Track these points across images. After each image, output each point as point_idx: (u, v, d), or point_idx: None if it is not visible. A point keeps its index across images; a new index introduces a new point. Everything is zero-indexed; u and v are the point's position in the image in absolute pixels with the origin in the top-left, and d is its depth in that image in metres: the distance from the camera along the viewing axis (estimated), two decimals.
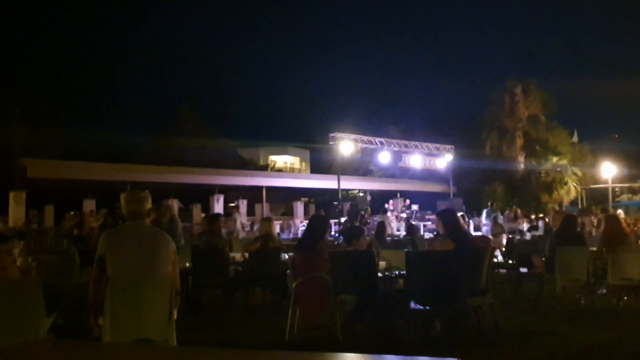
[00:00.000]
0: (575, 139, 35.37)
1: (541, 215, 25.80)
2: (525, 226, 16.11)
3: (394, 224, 19.67)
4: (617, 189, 32.51)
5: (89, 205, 20.28)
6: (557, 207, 16.06)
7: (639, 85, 33.65)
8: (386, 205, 21.37)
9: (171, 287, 4.20)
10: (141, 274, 4.12)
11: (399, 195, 28.98)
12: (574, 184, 33.45)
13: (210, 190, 25.32)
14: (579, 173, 33.65)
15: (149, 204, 4.39)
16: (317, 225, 6.57)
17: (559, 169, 33.59)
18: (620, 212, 15.03)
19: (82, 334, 4.80)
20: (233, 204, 26.74)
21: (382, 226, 12.67)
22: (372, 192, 33.44)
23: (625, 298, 7.87)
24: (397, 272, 6.66)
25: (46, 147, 25.67)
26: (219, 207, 24.17)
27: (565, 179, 33.21)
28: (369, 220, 17.76)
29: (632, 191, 34.08)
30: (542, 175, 34.37)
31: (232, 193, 28.27)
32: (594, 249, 8.07)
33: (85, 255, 7.49)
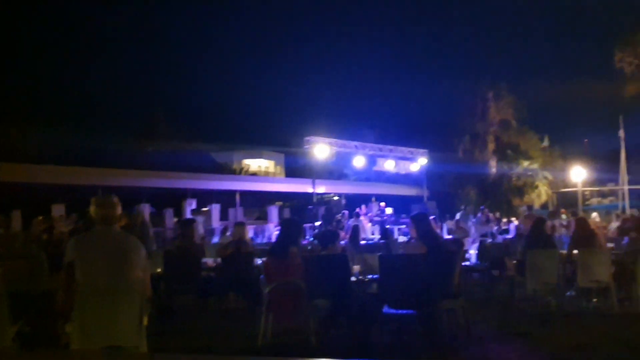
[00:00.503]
0: (546, 143, 35.92)
1: (513, 218, 26.16)
2: (496, 229, 16.29)
3: (368, 228, 19.71)
4: (587, 193, 33.08)
5: (58, 209, 19.91)
6: (526, 211, 16.23)
7: (607, 90, 34.32)
8: (357, 210, 21.38)
9: (141, 292, 4.15)
10: (110, 279, 4.05)
11: (373, 199, 29.10)
12: (545, 188, 33.98)
13: (183, 195, 25.10)
14: (550, 177, 34.19)
15: (119, 209, 4.33)
16: (289, 230, 6.54)
17: (529, 173, 34.09)
18: (595, 215, 15.27)
19: (49, 342, 4.70)
20: (206, 209, 26.55)
21: (356, 230, 12.70)
22: (347, 196, 33.53)
23: (595, 300, 8.02)
24: (371, 276, 6.68)
25: (14, 150, 25.18)
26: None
27: (536, 183, 33.72)
28: (344, 224, 17.76)
29: (602, 194, 34.74)
30: (514, 179, 34.85)
31: (205, 197, 28.07)
32: (564, 251, 8.20)
33: (55, 261, 7.35)
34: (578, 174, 28.63)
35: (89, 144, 31.01)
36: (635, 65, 28.03)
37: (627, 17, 31.20)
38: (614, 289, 7.65)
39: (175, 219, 22.44)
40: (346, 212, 20.87)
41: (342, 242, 11.20)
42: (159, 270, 7.95)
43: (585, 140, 39.88)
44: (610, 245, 9.66)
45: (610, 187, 33.81)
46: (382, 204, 25.88)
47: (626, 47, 28.24)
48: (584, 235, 8.13)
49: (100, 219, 4.23)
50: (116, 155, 31.92)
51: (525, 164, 34.46)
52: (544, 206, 32.47)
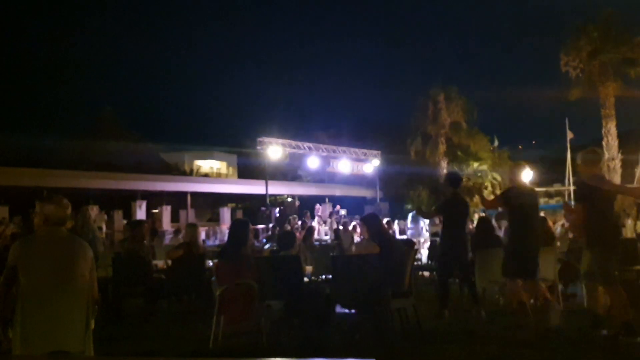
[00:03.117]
0: (496, 144, 36.79)
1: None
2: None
3: (322, 229, 19.77)
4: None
5: (1, 212, 19.23)
6: (481, 213, 16.52)
7: (554, 93, 35.43)
8: (317, 208, 21.51)
9: (88, 295, 4.03)
10: (56, 283, 3.91)
11: (327, 200, 29.19)
12: (494, 189, 34.79)
13: (132, 196, 24.60)
14: (499, 178, 35.01)
15: (68, 210, 4.19)
16: (238, 231, 6.48)
17: (479, 174, 34.84)
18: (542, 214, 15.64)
19: None
20: (156, 210, 26.11)
21: (309, 231, 12.72)
22: (301, 197, 33.55)
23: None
24: (323, 277, 6.68)
25: None
26: (141, 213, 23.52)
27: (486, 184, 34.47)
28: (296, 226, 17.75)
29: (548, 195, 35.79)
30: (464, 180, 35.56)
31: (155, 199, 27.59)
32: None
33: None
34: (526, 175, 29.42)
35: (32, 144, 30.02)
36: (579, 70, 28.97)
37: (572, 22, 32.25)
38: (560, 286, 7.87)
39: (125, 221, 21.97)
40: (296, 216, 20.78)
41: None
42: (107, 273, 7.78)
43: (533, 142, 41.08)
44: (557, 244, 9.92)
45: (556, 187, 34.91)
46: (338, 206, 26.02)
47: (571, 51, 29.16)
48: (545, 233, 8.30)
49: (46, 221, 4.08)
50: (61, 156, 31.03)
51: (475, 165, 35.22)
52: None
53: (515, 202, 6.64)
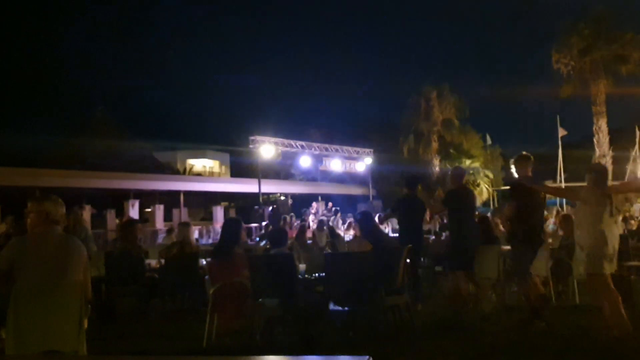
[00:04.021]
0: (488, 142, 36.90)
1: None
2: (439, 226, 16.58)
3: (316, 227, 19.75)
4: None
5: None
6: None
7: (545, 91, 35.61)
8: (315, 205, 21.52)
9: (81, 295, 4.03)
10: (49, 282, 3.91)
11: (320, 198, 29.20)
12: (486, 186, 34.87)
13: (124, 196, 24.52)
14: (491, 175, 35.14)
15: (61, 209, 4.18)
16: (231, 230, 6.49)
17: (471, 171, 34.93)
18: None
19: None
20: (149, 210, 26.05)
21: (303, 229, 12.73)
22: (294, 196, 33.54)
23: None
24: (317, 274, 6.70)
25: None
26: (134, 212, 23.44)
27: (478, 181, 34.57)
28: (294, 225, 17.73)
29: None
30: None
31: (148, 198, 27.52)
32: (507, 247, 8.39)
33: None
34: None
35: (24, 143, 29.86)
36: (571, 67, 29.10)
37: (563, 19, 32.42)
38: (552, 282, 7.92)
39: (117, 220, 21.92)
40: (293, 214, 20.76)
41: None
42: (100, 272, 7.77)
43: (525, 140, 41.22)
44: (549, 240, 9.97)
45: (548, 184, 35.05)
46: (330, 203, 26.01)
47: (562, 48, 29.28)
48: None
49: (47, 219, 4.07)
50: (53, 155, 30.90)
51: (468, 162, 35.32)
52: (485, 204, 33.32)
53: (454, 203, 7.44)
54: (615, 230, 6.15)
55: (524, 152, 6.83)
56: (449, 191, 7.93)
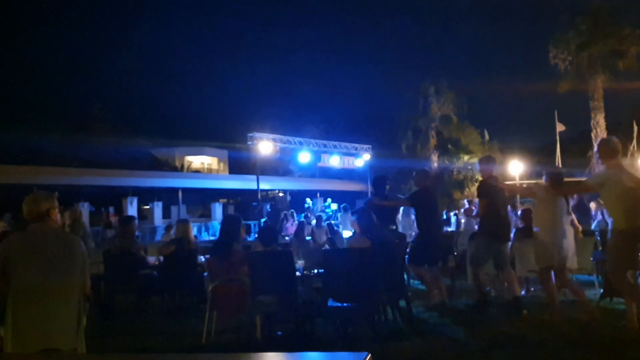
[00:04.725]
0: (486, 138, 36.90)
1: (456, 211, 26.73)
2: None
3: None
4: (524, 186, 34.18)
5: None
6: (466, 205, 16.60)
7: (543, 86, 35.61)
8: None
9: (80, 292, 4.01)
10: (47, 279, 3.89)
11: (318, 194, 29.22)
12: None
13: (123, 193, 24.50)
14: None
15: (53, 203, 4.11)
16: (230, 227, 6.49)
17: (470, 167, 34.96)
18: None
19: None
20: (147, 207, 26.02)
21: (302, 226, 12.74)
22: (292, 192, 33.54)
23: (532, 289, 8.28)
24: (316, 271, 6.70)
25: None
26: (132, 209, 23.44)
27: (476, 177, 34.59)
28: (291, 222, 17.72)
29: None
30: (455, 173, 35.70)
31: (146, 195, 27.50)
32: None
33: None
34: (516, 168, 29.55)
35: (21, 141, 29.81)
36: (568, 62, 29.09)
37: (560, 14, 32.37)
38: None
39: (116, 218, 21.92)
40: (293, 211, 20.74)
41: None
42: (99, 269, 7.76)
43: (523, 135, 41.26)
44: None
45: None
46: (329, 200, 26.00)
47: (560, 44, 29.27)
48: (529, 226, 8.38)
49: (31, 217, 4.03)
50: (51, 152, 30.84)
51: (466, 158, 35.34)
52: None
53: (419, 203, 7.96)
54: (570, 228, 6.73)
55: (489, 154, 7.63)
56: (414, 192, 8.40)
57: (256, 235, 14.72)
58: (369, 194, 29.17)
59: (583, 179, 8.37)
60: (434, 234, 7.86)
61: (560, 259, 6.37)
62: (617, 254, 5.83)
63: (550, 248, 6.37)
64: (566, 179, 7.28)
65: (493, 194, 7.12)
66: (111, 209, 23.43)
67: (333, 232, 13.49)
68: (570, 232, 6.63)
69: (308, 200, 26.70)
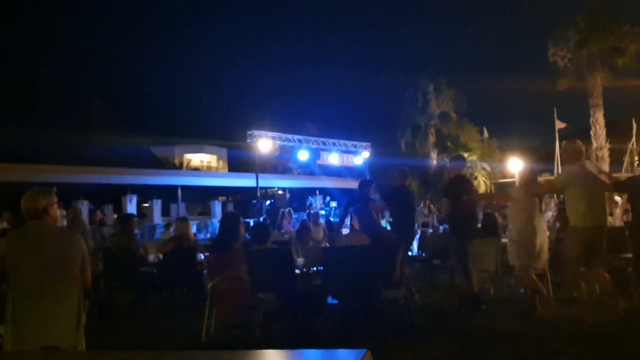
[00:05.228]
0: (485, 135, 36.91)
1: None
2: (437, 220, 16.61)
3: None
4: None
5: None
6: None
7: (542, 84, 35.62)
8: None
9: (79, 290, 4.01)
10: (46, 277, 3.89)
11: (317, 192, 29.20)
12: (484, 179, 34.92)
13: (122, 191, 24.49)
14: (488, 168, 35.17)
15: (45, 201, 4.03)
16: (229, 224, 6.49)
17: (469, 165, 34.96)
18: None
19: None
20: (147, 204, 26.01)
21: (304, 225, 12.69)
22: (291, 190, 33.51)
23: None
24: (315, 268, 6.70)
25: None
26: (132, 207, 23.43)
27: (475, 174, 34.62)
28: (287, 219, 17.71)
29: None
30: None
31: (145, 193, 27.49)
32: (505, 240, 8.42)
33: None
34: (515, 165, 29.57)
35: (21, 139, 29.76)
36: (567, 60, 29.08)
37: (560, 11, 32.40)
38: (549, 275, 7.92)
39: (115, 216, 21.90)
40: (290, 209, 20.72)
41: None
42: (98, 267, 7.77)
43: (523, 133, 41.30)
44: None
45: (545, 177, 35.07)
46: (328, 197, 25.99)
47: (559, 41, 29.26)
48: None
49: (28, 214, 4.02)
50: (50, 150, 30.81)
51: (465, 155, 35.33)
52: None
53: (393, 200, 8.17)
54: (543, 226, 6.96)
55: (459, 154, 7.93)
56: (392, 190, 8.63)
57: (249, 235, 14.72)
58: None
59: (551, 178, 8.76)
60: (410, 229, 8.17)
61: (531, 258, 6.63)
62: (574, 250, 6.25)
63: (523, 246, 6.62)
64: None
65: (458, 193, 7.35)
66: (103, 207, 23.30)
67: (331, 230, 13.47)
68: (543, 231, 6.89)
69: (311, 198, 26.68)
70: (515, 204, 6.89)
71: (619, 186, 6.94)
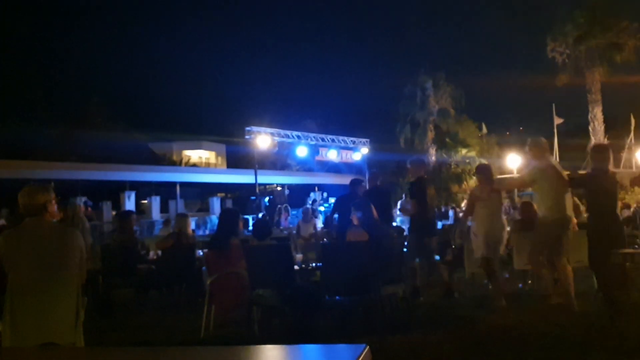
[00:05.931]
0: (484, 131, 36.90)
1: (453, 205, 26.80)
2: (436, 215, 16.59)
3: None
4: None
5: None
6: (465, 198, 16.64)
7: (540, 80, 35.63)
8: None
9: (77, 286, 4.01)
10: (44, 274, 3.88)
11: (316, 188, 29.20)
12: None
13: (120, 187, 24.46)
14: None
15: (43, 197, 4.02)
16: (228, 220, 6.49)
17: (467, 161, 34.96)
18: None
19: None
20: (145, 201, 25.98)
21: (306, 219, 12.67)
22: (290, 186, 33.51)
23: (530, 282, 8.29)
24: (314, 264, 6.71)
25: None
26: (130, 204, 23.40)
27: (474, 170, 34.65)
28: (284, 216, 17.74)
29: None
30: (452, 166, 35.72)
31: (144, 189, 27.47)
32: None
33: None
34: (513, 161, 29.58)
35: (18, 135, 29.66)
36: (566, 55, 29.07)
37: (558, 7, 32.37)
38: (548, 270, 7.92)
39: (114, 212, 21.88)
40: (287, 205, 20.73)
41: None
42: (97, 264, 7.76)
43: (521, 128, 41.33)
44: None
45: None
46: (325, 193, 26.01)
47: (557, 37, 29.24)
48: (528, 219, 8.39)
49: (26, 211, 4.00)
50: (48, 147, 30.72)
51: (464, 151, 35.36)
52: None
53: (376, 200, 8.29)
54: (503, 220, 7.34)
55: (420, 157, 8.34)
56: (365, 190, 8.96)
57: (250, 230, 14.72)
58: (367, 187, 29.20)
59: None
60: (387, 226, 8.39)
61: (493, 252, 6.97)
62: (542, 239, 6.64)
63: (484, 242, 6.95)
64: (504, 175, 8.13)
65: (421, 194, 7.90)
66: (89, 202, 23.08)
67: (330, 226, 13.44)
68: (504, 224, 7.29)
69: (313, 194, 26.68)
70: (478, 202, 7.21)
71: (574, 182, 7.02)
